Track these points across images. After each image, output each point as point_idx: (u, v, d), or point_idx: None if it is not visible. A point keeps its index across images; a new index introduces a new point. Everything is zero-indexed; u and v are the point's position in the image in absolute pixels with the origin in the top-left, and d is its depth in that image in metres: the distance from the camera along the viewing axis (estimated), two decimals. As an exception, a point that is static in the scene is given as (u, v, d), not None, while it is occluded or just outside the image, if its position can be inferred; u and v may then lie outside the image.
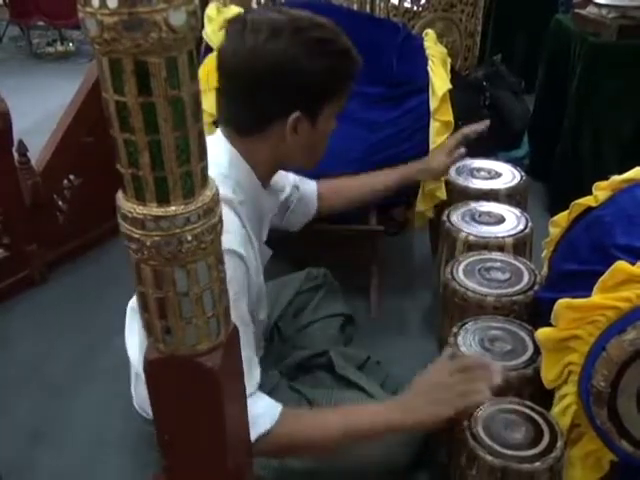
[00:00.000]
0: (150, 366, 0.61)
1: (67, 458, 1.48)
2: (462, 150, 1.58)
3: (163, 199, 0.52)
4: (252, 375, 1.02)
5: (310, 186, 1.49)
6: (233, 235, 1.00)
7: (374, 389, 1.33)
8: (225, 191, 1.00)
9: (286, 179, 1.40)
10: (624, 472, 1.16)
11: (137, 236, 0.52)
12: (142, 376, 0.64)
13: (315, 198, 1.50)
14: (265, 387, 1.29)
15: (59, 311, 1.97)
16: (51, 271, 2.12)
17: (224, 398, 0.60)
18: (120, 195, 0.54)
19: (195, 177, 0.52)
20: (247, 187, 1.10)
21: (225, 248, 0.93)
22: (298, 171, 1.44)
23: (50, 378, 1.71)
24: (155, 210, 0.52)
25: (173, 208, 0.52)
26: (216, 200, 0.55)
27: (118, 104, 0.48)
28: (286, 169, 1.25)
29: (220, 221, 0.57)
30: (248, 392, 0.91)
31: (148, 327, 0.59)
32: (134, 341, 1.24)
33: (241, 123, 1.09)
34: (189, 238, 0.53)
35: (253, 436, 0.92)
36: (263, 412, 1.00)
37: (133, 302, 1.28)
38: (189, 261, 0.54)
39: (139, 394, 1.24)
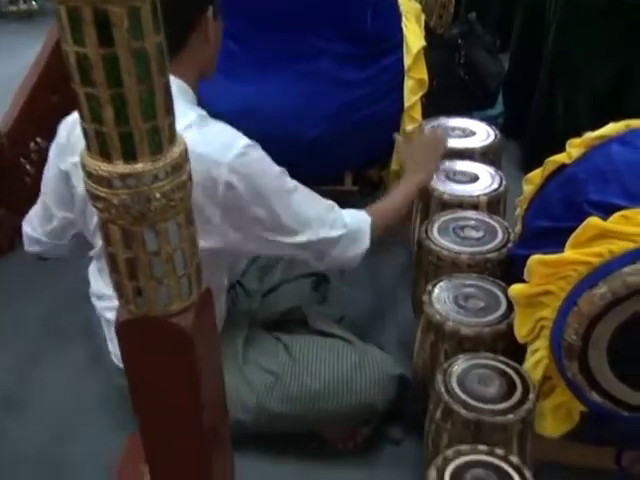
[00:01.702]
0: (122, 327, 0.60)
1: (41, 422, 1.48)
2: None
3: (129, 156, 0.50)
4: (328, 202, 1.23)
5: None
6: (239, 133, 1.09)
7: (351, 337, 1.35)
8: (196, 112, 1.09)
9: None
10: (592, 422, 1.19)
11: (103, 195, 0.51)
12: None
13: None
14: (239, 332, 1.32)
15: (28, 275, 1.94)
16: (20, 236, 2.07)
17: (198, 357, 0.60)
18: (84, 152, 0.52)
19: (162, 133, 0.51)
20: (191, 104, 1.13)
21: (245, 144, 1.07)
22: None
23: (20, 343, 1.70)
24: (121, 167, 0.50)
25: (140, 165, 0.50)
26: (185, 157, 0.54)
27: (78, 56, 0.46)
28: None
29: (190, 179, 0.55)
30: (339, 209, 1.25)
31: (118, 288, 0.58)
32: (102, 294, 1.24)
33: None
34: (158, 196, 0.51)
35: (369, 233, 1.26)
36: (360, 214, 1.28)
37: (94, 252, 1.27)
38: (158, 220, 0.53)
39: (114, 344, 1.24)
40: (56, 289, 1.86)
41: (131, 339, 0.61)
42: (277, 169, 1.14)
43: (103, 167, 0.50)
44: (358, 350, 1.31)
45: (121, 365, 1.22)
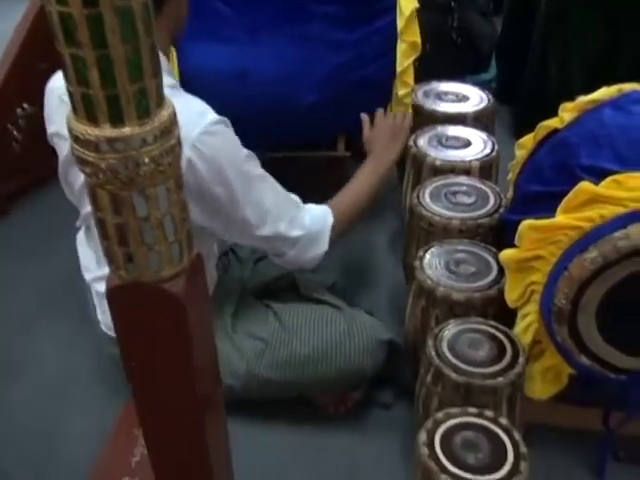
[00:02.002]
0: (113, 293, 0.59)
1: (35, 391, 1.49)
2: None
3: (117, 119, 0.49)
4: (293, 198, 1.24)
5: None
6: (207, 107, 1.07)
7: (340, 303, 1.36)
8: (167, 81, 1.03)
9: None
10: (581, 384, 1.21)
11: (91, 159, 0.50)
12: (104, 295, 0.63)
13: None
14: (230, 299, 1.32)
15: (21, 244, 1.93)
16: (12, 203, 2.06)
17: (190, 324, 0.60)
18: (71, 116, 0.51)
19: (150, 95, 0.50)
20: (167, 70, 1.11)
21: (212, 121, 1.04)
22: None
23: (14, 313, 1.69)
24: (109, 131, 0.49)
25: (128, 129, 0.49)
26: (173, 121, 0.53)
27: (62, 15, 0.44)
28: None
29: (179, 143, 0.54)
30: (302, 207, 1.25)
31: (108, 254, 0.58)
32: (89, 259, 1.23)
33: None
34: (146, 160, 0.51)
35: (328, 235, 1.26)
36: (322, 214, 1.27)
37: (80, 220, 1.26)
38: (148, 185, 0.52)
39: (105, 312, 1.24)
40: (50, 258, 1.85)
41: (122, 305, 0.61)
42: (244, 152, 1.11)
43: (90, 131, 0.49)
44: (347, 316, 1.32)
45: (111, 334, 1.24)
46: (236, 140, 1.10)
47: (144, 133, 0.50)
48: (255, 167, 1.15)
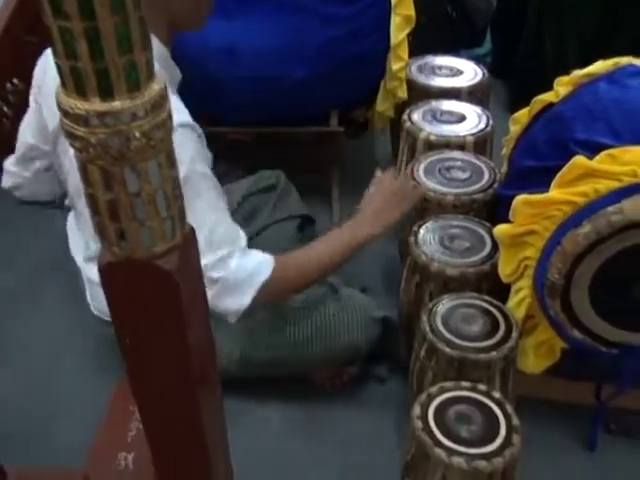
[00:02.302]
0: (105, 270, 0.59)
1: (28, 369, 1.49)
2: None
3: (106, 93, 0.48)
4: (239, 235, 1.08)
5: None
6: (177, 106, 0.99)
7: (334, 281, 1.36)
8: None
9: None
10: (573, 358, 1.22)
11: (80, 134, 0.49)
12: (95, 278, 0.62)
13: None
14: None
15: (10, 221, 1.92)
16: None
17: (183, 300, 0.60)
18: (60, 90, 0.50)
19: (140, 68, 0.49)
20: (158, 56, 1.04)
21: (182, 122, 0.96)
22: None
23: (5, 291, 1.69)
24: (98, 105, 0.48)
25: (118, 103, 0.48)
26: (164, 95, 0.52)
27: (48, -14, 0.43)
28: (181, 29, 1.18)
29: (170, 117, 0.53)
30: (240, 249, 1.05)
31: (100, 230, 0.57)
32: (78, 244, 1.22)
33: None
34: (137, 135, 0.50)
35: (253, 290, 1.06)
36: (258, 266, 1.08)
37: (68, 198, 1.25)
38: (139, 160, 0.52)
39: (95, 298, 1.24)
40: (40, 236, 1.84)
41: (115, 282, 0.60)
42: (202, 168, 1.03)
43: (79, 105, 0.48)
44: (340, 295, 1.32)
45: (102, 317, 1.23)
46: (197, 150, 1.02)
47: (135, 107, 0.49)
48: (207, 189, 1.03)
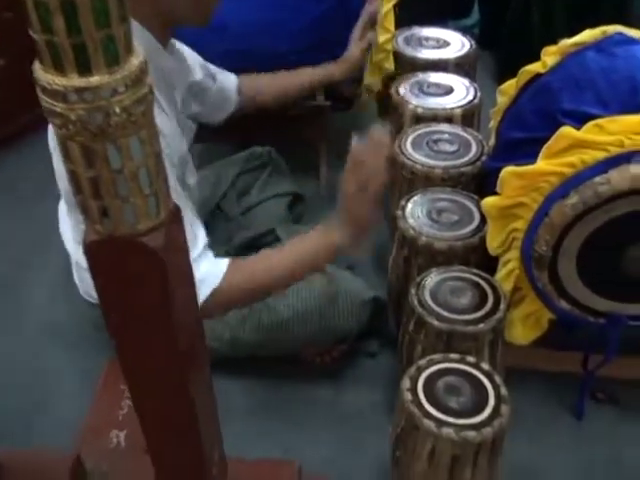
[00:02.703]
0: (90, 248, 0.58)
1: (17, 349, 1.48)
2: (371, 35, 1.56)
3: (84, 68, 0.47)
4: (197, 236, 0.99)
5: (229, 79, 1.43)
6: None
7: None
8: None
9: (195, 59, 1.33)
10: (560, 329, 1.24)
11: (60, 110, 0.48)
12: (83, 262, 0.62)
13: (235, 92, 1.44)
14: None
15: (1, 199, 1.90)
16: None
17: (170, 277, 0.59)
18: (37, 65, 0.49)
19: (118, 42, 0.48)
20: (146, 51, 1.02)
21: None
22: (223, 57, 1.38)
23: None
24: (77, 81, 0.47)
25: (96, 78, 0.47)
26: (144, 69, 0.51)
27: (20, -42, 0.42)
28: (181, 24, 1.15)
29: (151, 92, 0.52)
30: (194, 255, 0.94)
31: (83, 209, 0.56)
32: (68, 228, 1.21)
33: None
34: (117, 110, 0.49)
35: (202, 297, 0.93)
36: (210, 270, 0.98)
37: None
38: (120, 136, 0.51)
39: (83, 281, 1.23)
40: (31, 213, 1.83)
41: (100, 260, 0.60)
42: (170, 162, 0.98)
43: (57, 81, 0.47)
44: (331, 277, 1.32)
45: (91, 300, 1.22)
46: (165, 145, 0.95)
47: (114, 82, 0.48)
48: (174, 187, 0.97)
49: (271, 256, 1.07)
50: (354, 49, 1.55)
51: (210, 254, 1.02)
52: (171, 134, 1.05)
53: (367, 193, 1.02)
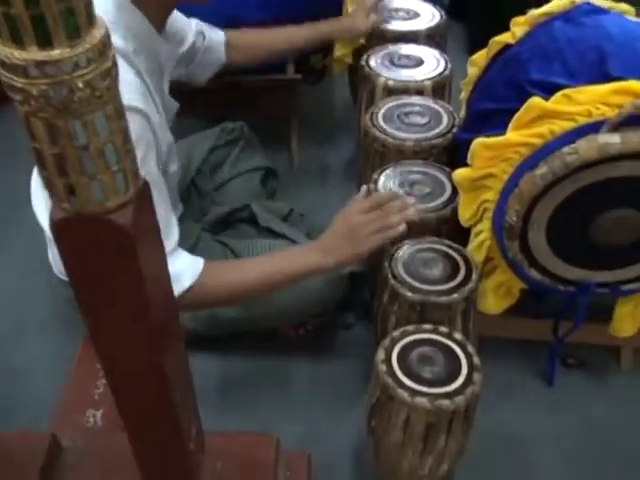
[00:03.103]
0: (57, 227, 0.57)
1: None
2: (377, 17, 1.58)
3: (44, 41, 0.46)
4: (170, 232, 1.00)
5: (218, 35, 1.41)
6: (128, 88, 0.92)
7: (299, 238, 1.35)
8: (115, 39, 0.88)
9: (188, 27, 1.31)
10: (531, 297, 1.26)
11: (20, 85, 0.47)
12: None
13: (223, 47, 1.42)
14: (187, 241, 1.29)
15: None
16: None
17: (140, 255, 0.59)
18: (-5, 39, 0.47)
19: (79, 14, 0.46)
20: (140, 34, 1.01)
21: (126, 105, 0.87)
22: (207, 20, 1.35)
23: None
24: (37, 54, 0.46)
25: (57, 51, 0.46)
26: (107, 42, 0.50)
27: None
28: (182, 8, 1.14)
29: (115, 65, 0.51)
30: (167, 250, 0.92)
31: (49, 186, 0.55)
32: (42, 206, 1.19)
33: None
34: (80, 85, 0.48)
35: (176, 293, 0.89)
36: (184, 268, 0.99)
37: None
38: (84, 112, 0.50)
39: (56, 258, 1.22)
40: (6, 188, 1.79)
41: (68, 238, 0.59)
42: (140, 153, 0.93)
43: (17, 54, 0.46)
44: None
45: (63, 278, 1.21)
46: (138, 138, 0.91)
47: (76, 56, 0.47)
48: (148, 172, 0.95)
49: (249, 267, 1.07)
50: (362, 23, 1.56)
51: (184, 253, 1.02)
52: (159, 124, 1.03)
53: (376, 236, 1.04)
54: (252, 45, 1.47)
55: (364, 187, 1.16)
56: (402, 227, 1.05)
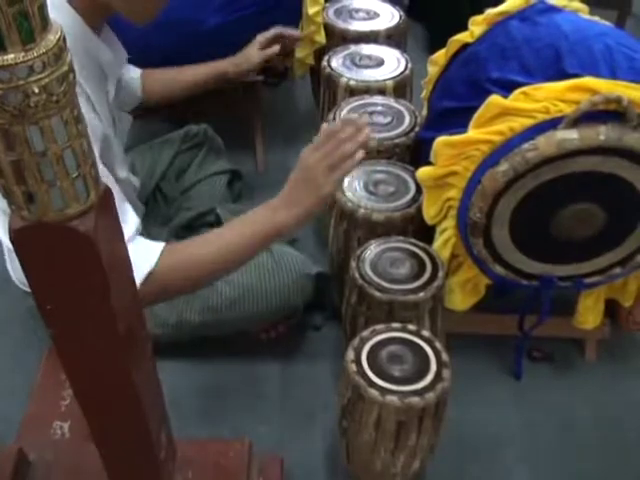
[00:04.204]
0: (17, 236, 0.56)
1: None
2: (275, 47, 1.53)
3: (-3, 45, 0.45)
4: (125, 221, 0.95)
5: (135, 72, 1.42)
6: None
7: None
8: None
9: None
10: (497, 293, 1.27)
11: (-27, 91, 0.46)
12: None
13: (139, 83, 1.42)
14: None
15: None
16: None
17: (103, 261, 0.58)
18: (-54, 44, 0.46)
19: (32, 18, 0.45)
20: (74, 33, 0.98)
21: None
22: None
23: None
24: (-10, 60, 0.45)
25: (11, 56, 0.45)
26: (63, 46, 0.49)
27: None
28: (116, 15, 1.11)
29: (72, 70, 0.50)
30: (125, 238, 0.89)
31: (7, 195, 0.54)
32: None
33: None
34: (36, 90, 0.47)
35: (138, 281, 0.85)
36: (144, 254, 0.94)
37: None
38: (41, 117, 0.49)
39: (15, 268, 1.19)
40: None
41: (29, 248, 0.57)
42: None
43: (-31, 60, 0.45)
44: (274, 254, 1.31)
45: (24, 288, 1.18)
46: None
47: (30, 60, 0.46)
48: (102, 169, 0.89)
49: (208, 237, 1.01)
50: (254, 55, 1.52)
51: (142, 238, 0.98)
52: (99, 125, 1.03)
53: (335, 171, 0.95)
54: (161, 78, 1.47)
55: (323, 125, 1.05)
56: (360, 154, 0.95)
